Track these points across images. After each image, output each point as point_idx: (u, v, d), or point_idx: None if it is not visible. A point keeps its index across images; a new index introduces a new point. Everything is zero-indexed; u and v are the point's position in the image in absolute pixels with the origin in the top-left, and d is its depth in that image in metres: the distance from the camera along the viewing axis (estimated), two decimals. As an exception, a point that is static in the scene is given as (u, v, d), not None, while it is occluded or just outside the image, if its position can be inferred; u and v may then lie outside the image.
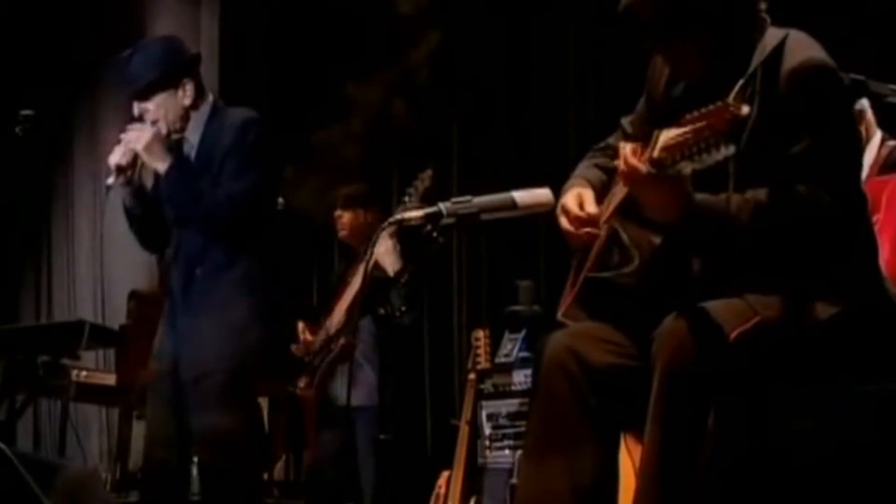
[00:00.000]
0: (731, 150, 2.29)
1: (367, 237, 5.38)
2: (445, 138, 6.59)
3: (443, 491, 5.15)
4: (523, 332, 5.32)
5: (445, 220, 2.71)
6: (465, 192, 2.77)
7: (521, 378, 5.11)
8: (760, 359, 2.49)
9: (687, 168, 2.37)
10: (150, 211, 4.12)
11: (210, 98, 4.11)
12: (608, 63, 5.85)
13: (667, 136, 2.39)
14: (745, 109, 2.30)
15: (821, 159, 2.49)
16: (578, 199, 2.81)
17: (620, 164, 2.51)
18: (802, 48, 2.57)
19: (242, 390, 4.04)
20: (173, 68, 4.01)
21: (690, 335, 2.46)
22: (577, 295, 2.79)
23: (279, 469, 6.15)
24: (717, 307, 2.52)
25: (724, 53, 2.61)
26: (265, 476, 5.57)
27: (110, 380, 6.44)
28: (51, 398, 7.25)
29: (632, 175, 2.48)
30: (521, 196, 2.78)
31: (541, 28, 6.18)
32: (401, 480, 5.73)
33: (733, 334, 2.46)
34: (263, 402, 5.51)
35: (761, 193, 2.50)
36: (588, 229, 2.77)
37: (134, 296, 6.85)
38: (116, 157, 3.97)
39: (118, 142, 4.02)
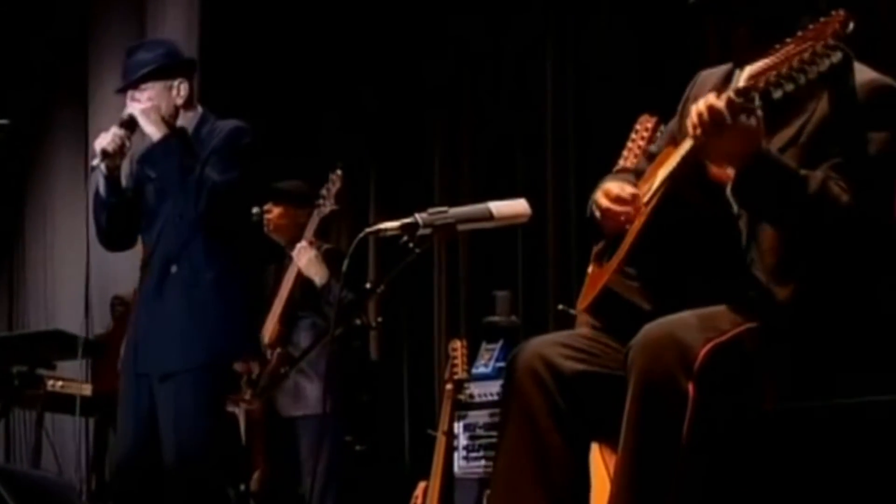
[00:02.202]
0: (839, 56, 2.27)
1: (295, 236, 5.31)
2: (426, 149, 6.60)
3: (419, 501, 5.14)
4: (500, 343, 5.32)
5: (422, 231, 2.72)
6: (444, 204, 2.79)
7: (498, 388, 5.09)
8: (736, 370, 2.51)
9: (777, 93, 2.34)
10: (120, 205, 4.16)
11: (199, 109, 4.22)
12: (586, 77, 5.87)
13: (751, 68, 2.39)
14: (851, 26, 2.29)
15: (877, 167, 2.54)
16: (620, 186, 2.83)
17: (694, 114, 2.47)
18: (869, 70, 2.59)
19: (210, 395, 4.04)
20: (171, 63, 4.15)
21: (665, 344, 2.47)
22: (596, 299, 2.78)
23: (255, 481, 6.13)
24: (697, 317, 2.53)
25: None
26: (241, 487, 5.54)
27: (86, 390, 6.42)
28: (25, 408, 7.22)
29: (708, 116, 2.42)
30: (498, 207, 2.79)
31: (520, 37, 6.19)
32: (377, 490, 5.72)
33: (708, 346, 2.47)
34: (240, 414, 5.48)
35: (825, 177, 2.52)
36: (627, 209, 2.77)
37: (117, 301, 6.82)
38: (105, 140, 4.03)
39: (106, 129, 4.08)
